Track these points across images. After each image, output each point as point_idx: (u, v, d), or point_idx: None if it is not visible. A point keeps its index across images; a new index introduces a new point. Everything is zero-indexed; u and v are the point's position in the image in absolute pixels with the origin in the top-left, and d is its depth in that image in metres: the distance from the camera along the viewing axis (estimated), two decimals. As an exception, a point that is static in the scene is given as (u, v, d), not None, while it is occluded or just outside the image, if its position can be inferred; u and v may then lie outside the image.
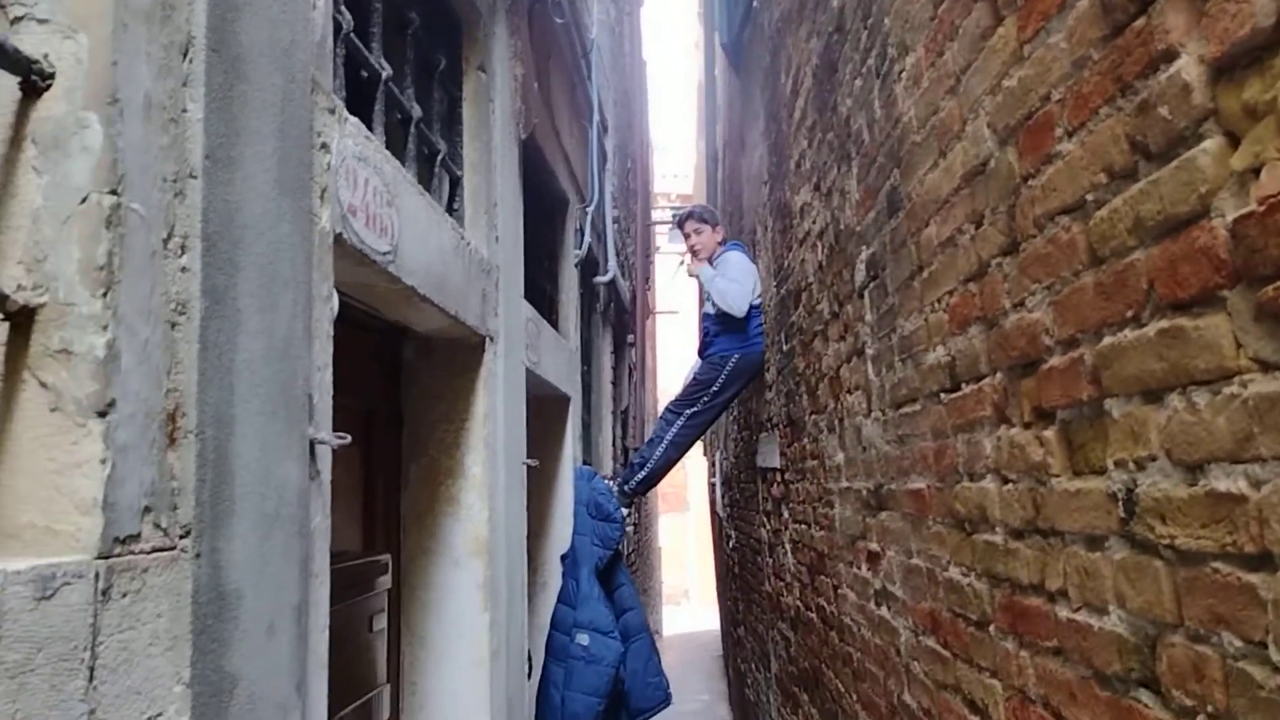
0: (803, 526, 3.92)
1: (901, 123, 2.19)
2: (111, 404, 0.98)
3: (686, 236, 5.25)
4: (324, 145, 1.63)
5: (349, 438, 1.61)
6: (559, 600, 4.56)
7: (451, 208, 2.83)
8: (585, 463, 5.45)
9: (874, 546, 2.65)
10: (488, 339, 2.89)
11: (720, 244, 5.22)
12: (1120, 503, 1.25)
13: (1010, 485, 1.63)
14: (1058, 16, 1.36)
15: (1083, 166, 1.30)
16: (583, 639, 4.35)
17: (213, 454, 1.16)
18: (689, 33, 17.26)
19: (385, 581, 2.56)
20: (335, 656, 1.64)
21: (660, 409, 5.78)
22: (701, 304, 5.79)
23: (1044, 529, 1.50)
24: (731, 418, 7.30)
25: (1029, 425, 1.55)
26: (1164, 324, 1.12)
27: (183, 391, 1.12)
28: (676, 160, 22.06)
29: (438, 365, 2.85)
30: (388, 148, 2.10)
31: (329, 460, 1.61)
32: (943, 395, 1.99)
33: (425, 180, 2.57)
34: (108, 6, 1.01)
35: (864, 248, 2.63)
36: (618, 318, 7.74)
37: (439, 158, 2.70)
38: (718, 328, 4.96)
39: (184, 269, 1.13)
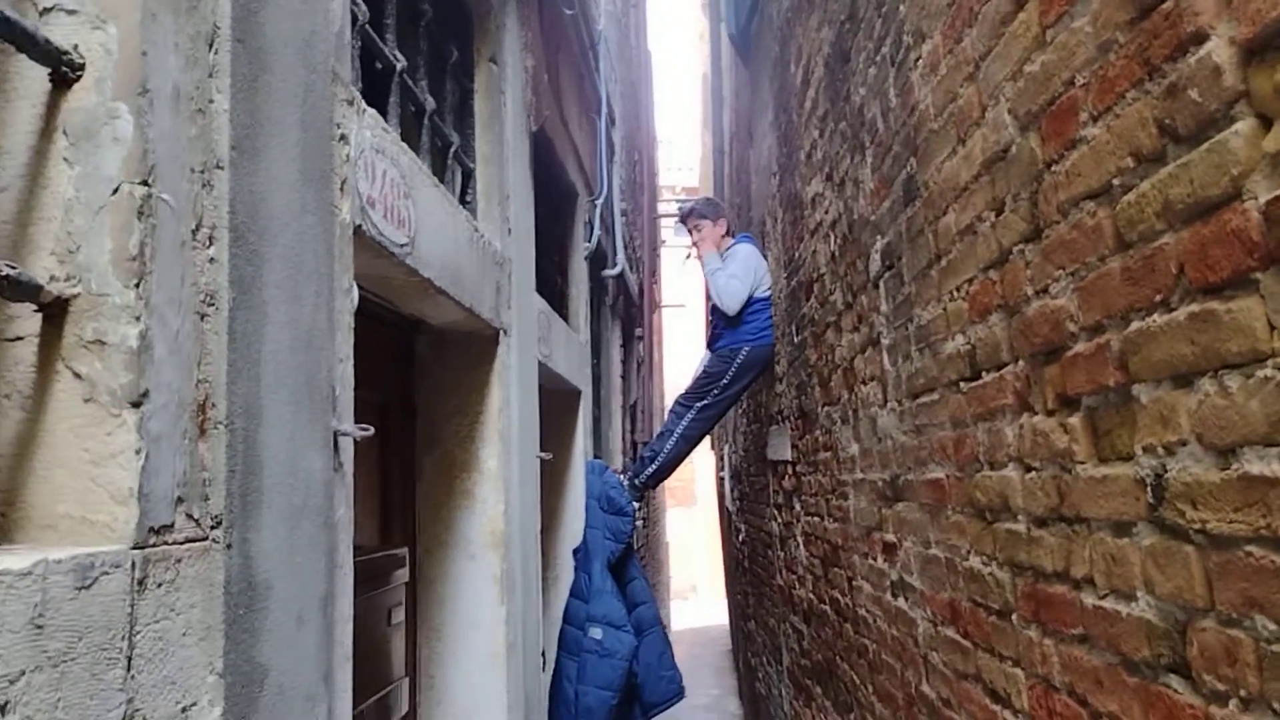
0: (815, 519, 3.92)
1: (918, 111, 2.18)
2: (145, 394, 0.98)
3: (690, 233, 5.27)
4: (343, 137, 1.63)
5: (371, 429, 1.61)
6: (571, 594, 4.57)
7: (464, 200, 2.83)
8: (596, 456, 5.46)
9: (890, 537, 2.65)
10: (501, 332, 2.89)
11: (726, 235, 5.21)
12: (1149, 488, 1.24)
13: (1033, 473, 1.63)
14: (1081, 1, 1.35)
15: (1109, 151, 1.30)
16: (595, 633, 4.36)
17: (242, 445, 1.17)
18: (693, 25, 17.22)
19: (402, 575, 2.57)
20: (355, 650, 1.64)
21: (668, 403, 5.78)
22: (709, 297, 5.79)
23: (1068, 516, 1.50)
24: (741, 411, 7.30)
25: (1052, 413, 1.55)
26: (1195, 308, 1.11)
27: (212, 382, 1.12)
28: (681, 153, 22.04)
29: (452, 358, 2.85)
30: (402, 140, 2.10)
31: (351, 452, 1.61)
32: (962, 384, 1.98)
33: (439, 173, 2.57)
34: (136, -3, 1.01)
35: (879, 237, 2.62)
36: (626, 311, 7.74)
37: (452, 150, 2.70)
38: (727, 320, 4.96)
39: (212, 260, 1.13)
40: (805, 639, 4.36)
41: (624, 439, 7.36)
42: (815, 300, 3.69)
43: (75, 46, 0.99)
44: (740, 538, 8.04)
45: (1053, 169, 1.48)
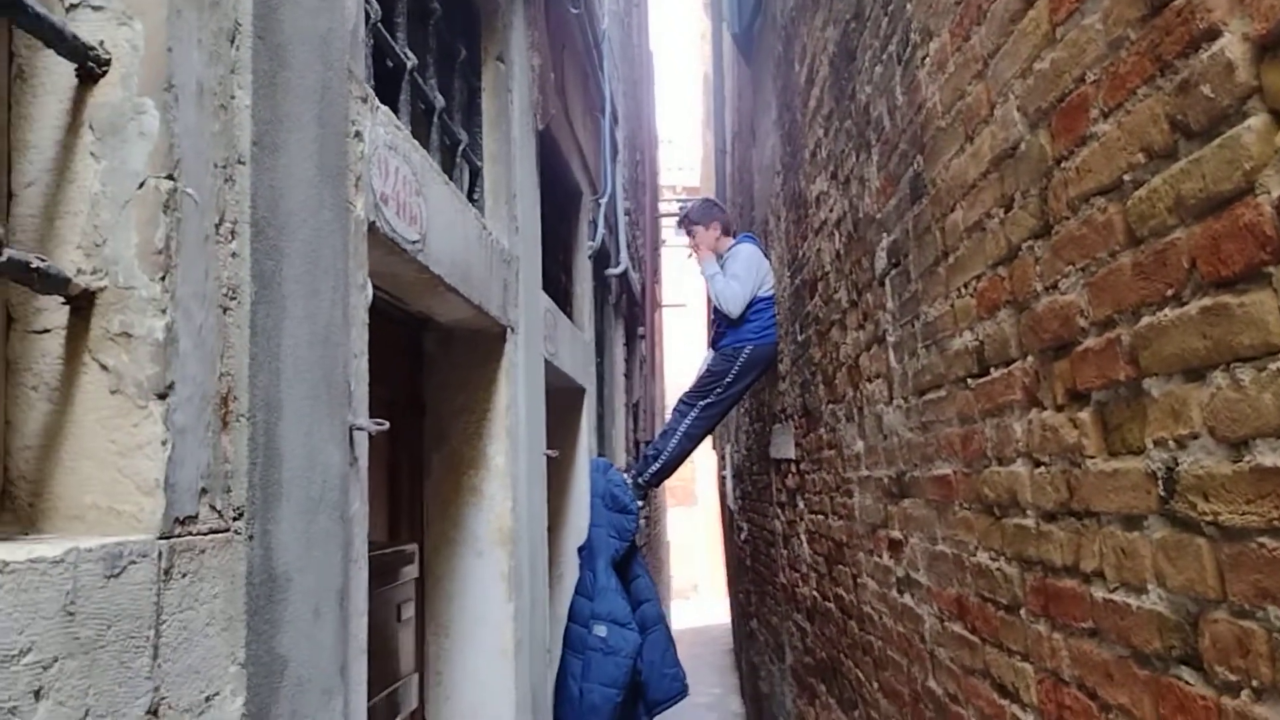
0: (820, 517, 3.93)
1: (925, 108, 2.19)
2: (171, 387, 0.99)
3: (689, 238, 5.30)
4: (358, 134, 1.64)
5: (386, 424, 1.62)
6: (576, 592, 4.58)
7: (472, 198, 2.84)
8: (600, 455, 5.47)
9: (896, 534, 2.66)
10: (509, 329, 2.91)
11: (725, 235, 5.22)
12: (1160, 481, 1.25)
13: (1042, 468, 1.64)
14: (1092, -1, 1.36)
15: (1120, 147, 1.31)
16: (600, 630, 4.37)
17: (263, 437, 1.18)
18: (695, 25, 17.23)
19: (411, 571, 2.58)
20: (368, 645, 1.65)
21: (669, 402, 5.80)
22: (710, 297, 5.80)
23: (1078, 511, 1.51)
24: (743, 410, 7.31)
25: (1062, 408, 1.56)
26: (1207, 302, 1.12)
27: (234, 375, 1.13)
28: (682, 153, 22.04)
29: (459, 356, 2.86)
30: (413, 137, 2.11)
31: (365, 447, 1.62)
32: (970, 380, 1.99)
33: (447, 170, 2.58)
34: (161, -7, 1.02)
35: (885, 235, 2.63)
36: (629, 310, 7.75)
37: (460, 148, 2.71)
38: (730, 320, 4.97)
39: (234, 254, 1.14)
40: (809, 637, 4.37)
41: (627, 438, 7.38)
42: (819, 298, 3.70)
43: (101, 42, 1.00)
44: (742, 536, 8.04)
45: (1063, 165, 1.49)
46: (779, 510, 5.25)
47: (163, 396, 0.98)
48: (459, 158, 2.72)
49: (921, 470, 2.38)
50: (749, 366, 4.92)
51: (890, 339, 2.64)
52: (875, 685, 2.98)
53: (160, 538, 0.97)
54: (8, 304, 1.00)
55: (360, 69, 1.69)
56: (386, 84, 2.19)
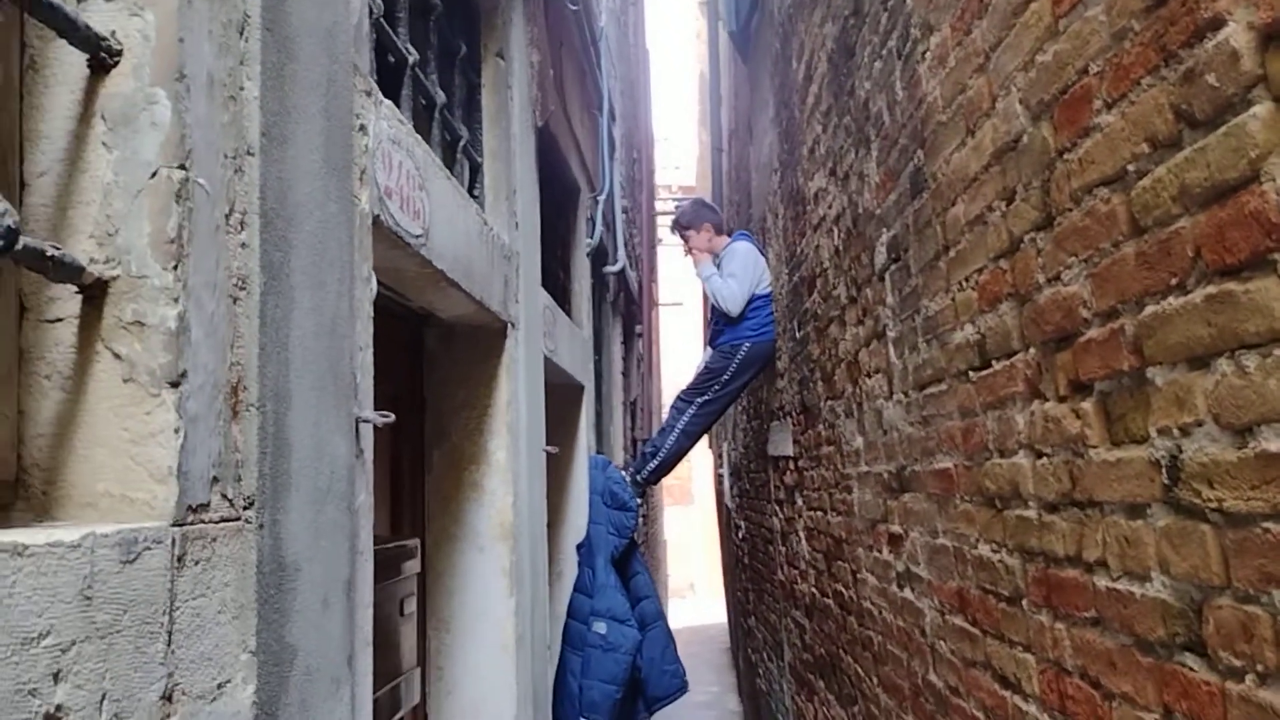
0: (818, 513, 3.94)
1: (925, 103, 2.20)
2: (183, 375, 0.99)
3: (683, 241, 5.33)
4: (362, 127, 1.64)
5: (392, 416, 1.63)
6: (575, 589, 4.59)
7: (472, 194, 2.84)
8: (598, 452, 5.48)
9: (896, 529, 2.67)
10: (509, 325, 2.91)
11: (720, 235, 5.23)
12: (1163, 469, 1.26)
13: (1044, 459, 1.65)
14: (1095, -9, 1.37)
15: (1123, 138, 1.32)
16: (600, 627, 4.38)
17: (272, 427, 1.18)
18: (690, 24, 17.25)
19: (413, 566, 2.58)
20: (372, 638, 1.66)
21: (666, 400, 5.81)
22: (708, 295, 5.81)
23: (1081, 501, 1.52)
24: (741, 408, 7.32)
25: (1064, 399, 1.56)
26: (1211, 290, 1.13)
27: (244, 365, 1.13)
28: (678, 152, 22.04)
29: (460, 351, 2.86)
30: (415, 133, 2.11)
31: (371, 439, 1.63)
32: (971, 373, 2.00)
33: (448, 166, 2.59)
34: (172, -17, 1.02)
35: (884, 230, 2.64)
36: (627, 308, 7.76)
37: (461, 144, 2.72)
38: (728, 318, 4.98)
39: (244, 245, 1.14)
40: (807, 633, 4.38)
41: (625, 435, 7.38)
42: (818, 295, 3.71)
43: (113, 33, 1.00)
44: (740, 534, 8.05)
45: (1065, 157, 1.50)
46: (777, 507, 5.26)
47: (175, 385, 0.98)
48: (460, 153, 2.72)
49: (922, 464, 2.39)
50: (747, 364, 4.93)
51: (890, 334, 2.64)
52: (875, 680, 2.99)
53: (173, 525, 0.97)
54: (21, 293, 1.00)
55: (364, 63, 1.69)
56: (388, 79, 2.19)
